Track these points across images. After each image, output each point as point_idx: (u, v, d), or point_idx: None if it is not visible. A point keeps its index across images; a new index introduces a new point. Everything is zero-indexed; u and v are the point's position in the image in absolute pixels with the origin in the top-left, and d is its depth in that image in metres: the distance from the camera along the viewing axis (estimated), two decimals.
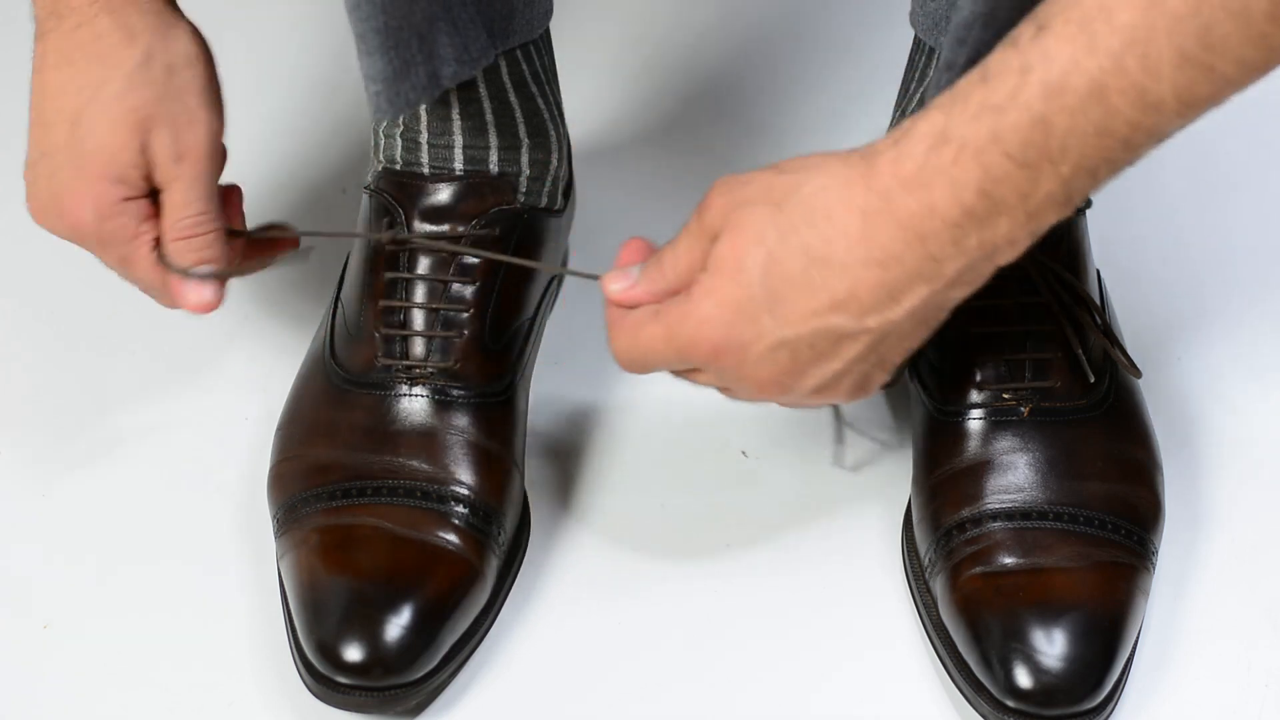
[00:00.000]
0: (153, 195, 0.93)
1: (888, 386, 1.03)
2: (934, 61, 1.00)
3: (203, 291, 0.93)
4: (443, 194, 1.01)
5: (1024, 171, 0.79)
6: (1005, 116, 0.79)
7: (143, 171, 0.92)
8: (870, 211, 0.81)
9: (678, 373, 0.90)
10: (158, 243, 0.93)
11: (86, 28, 0.91)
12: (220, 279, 0.94)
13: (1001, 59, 0.79)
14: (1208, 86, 0.77)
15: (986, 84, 0.79)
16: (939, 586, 0.97)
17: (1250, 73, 0.77)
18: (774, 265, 0.83)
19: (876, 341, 0.85)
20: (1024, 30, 0.79)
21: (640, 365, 0.89)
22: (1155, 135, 0.79)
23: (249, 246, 0.97)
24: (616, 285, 0.89)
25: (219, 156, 0.94)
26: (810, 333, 0.84)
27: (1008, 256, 0.83)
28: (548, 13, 1.03)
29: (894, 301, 0.83)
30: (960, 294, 0.84)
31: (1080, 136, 0.78)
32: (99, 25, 0.91)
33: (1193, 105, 0.78)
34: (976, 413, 1.00)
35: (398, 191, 1.02)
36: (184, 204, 0.92)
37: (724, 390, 0.90)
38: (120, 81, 0.91)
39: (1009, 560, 0.96)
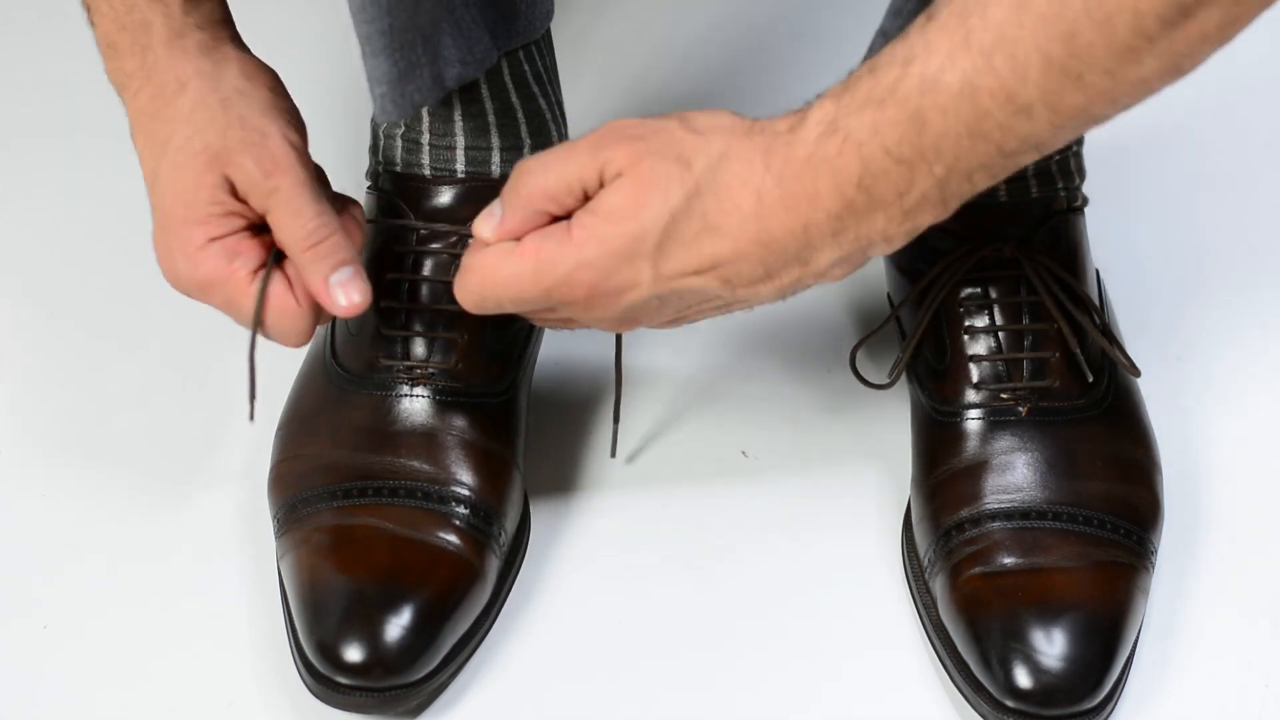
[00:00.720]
0: (250, 230, 0.92)
1: (885, 387, 1.03)
2: None
3: (351, 294, 0.91)
4: (444, 196, 1.01)
5: (900, 168, 0.80)
6: (885, 110, 0.79)
7: (224, 209, 0.91)
8: (764, 194, 0.82)
9: (538, 315, 0.90)
10: (255, 273, 0.92)
11: (144, 91, 0.92)
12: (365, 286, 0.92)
13: (892, 49, 0.80)
14: (1078, 95, 0.77)
15: (874, 75, 0.80)
16: (939, 586, 0.97)
17: (1124, 86, 0.77)
18: (673, 223, 0.84)
19: (734, 305, 0.87)
20: (920, 18, 0.80)
21: (493, 303, 0.88)
22: (1032, 143, 0.79)
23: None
24: (485, 227, 0.88)
25: (308, 164, 0.92)
26: (684, 288, 0.85)
27: (881, 250, 0.84)
28: (549, 13, 1.03)
29: (767, 279, 0.85)
30: (828, 280, 0.86)
31: (953, 138, 0.79)
32: (153, 85, 0.92)
33: (1065, 115, 0.78)
34: (975, 413, 1.00)
35: (400, 192, 1.02)
36: (295, 215, 0.91)
37: (561, 320, 0.90)
38: (181, 130, 0.91)
39: (1008, 560, 0.96)
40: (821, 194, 0.82)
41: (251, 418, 0.95)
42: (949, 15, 0.78)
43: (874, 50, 0.96)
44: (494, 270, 0.87)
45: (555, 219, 0.88)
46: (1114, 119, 0.80)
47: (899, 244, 0.84)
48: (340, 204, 0.95)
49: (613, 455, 1.06)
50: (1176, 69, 0.77)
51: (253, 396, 0.95)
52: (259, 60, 0.95)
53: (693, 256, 0.84)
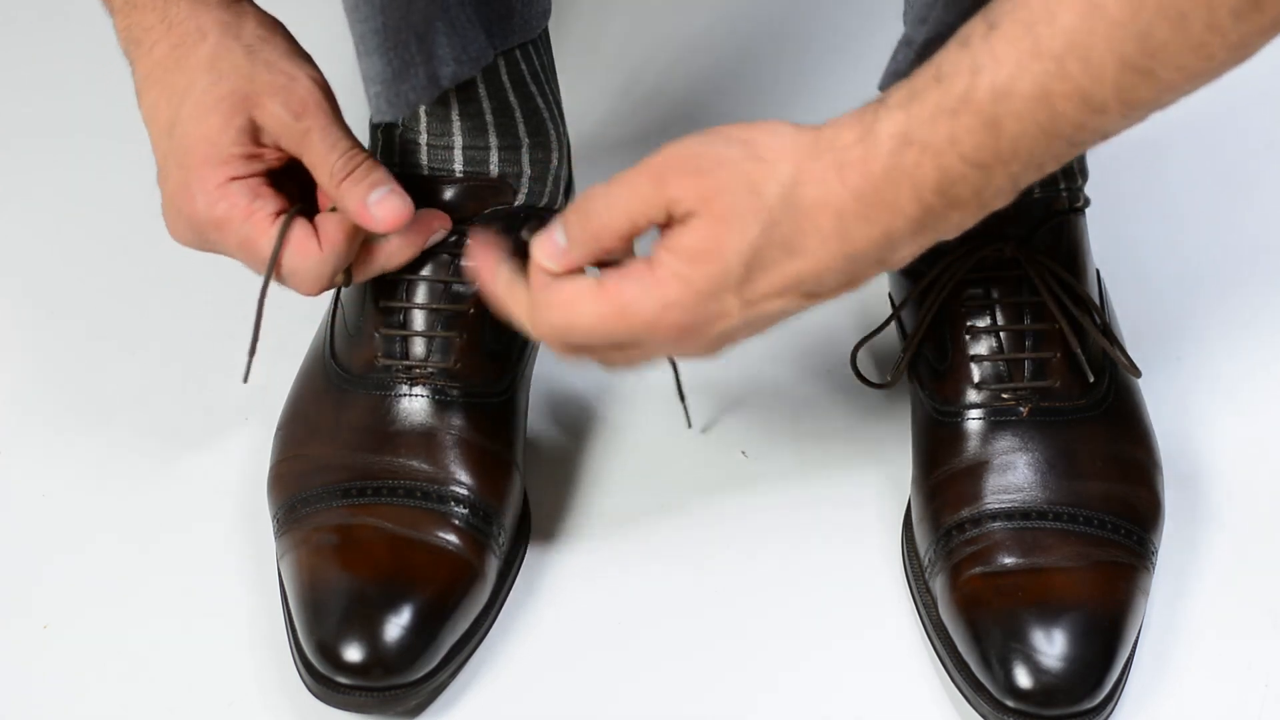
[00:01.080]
0: (266, 176, 0.94)
1: (886, 387, 1.03)
2: None
3: (389, 209, 0.93)
4: (443, 195, 1.01)
5: (977, 172, 0.81)
6: (959, 120, 0.80)
7: (247, 151, 0.93)
8: (844, 211, 0.82)
9: (613, 353, 0.86)
10: (277, 216, 0.93)
11: (162, 44, 0.93)
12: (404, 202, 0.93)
13: (955, 58, 0.80)
14: (1150, 91, 0.78)
15: (941, 84, 0.80)
16: (939, 586, 0.97)
17: (1193, 79, 0.78)
18: (755, 257, 0.83)
19: (803, 310, 0.86)
20: (976, 27, 0.80)
21: (575, 344, 0.85)
22: (1100, 134, 0.80)
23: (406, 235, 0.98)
24: (549, 256, 0.85)
25: (335, 104, 0.95)
26: (773, 310, 0.84)
27: (952, 236, 0.84)
28: (546, 12, 1.03)
29: (849, 285, 0.85)
30: (900, 266, 0.86)
31: (1029, 139, 0.80)
32: (173, 37, 0.93)
33: (1136, 108, 0.79)
34: (976, 413, 1.00)
35: None
36: (329, 150, 0.93)
37: (642, 358, 0.87)
38: (204, 77, 0.93)
39: (1009, 560, 0.96)
40: (902, 204, 0.81)
41: (245, 378, 0.95)
42: (1012, 24, 0.78)
43: (899, 61, 0.95)
44: (575, 308, 0.84)
45: None
46: None
47: (970, 227, 0.84)
48: None
49: (688, 425, 1.07)
50: (1242, 58, 0.78)
51: (252, 351, 0.95)
52: (272, 16, 0.96)
53: (777, 280, 0.83)
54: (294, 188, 0.96)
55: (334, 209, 0.95)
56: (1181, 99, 0.80)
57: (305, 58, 0.96)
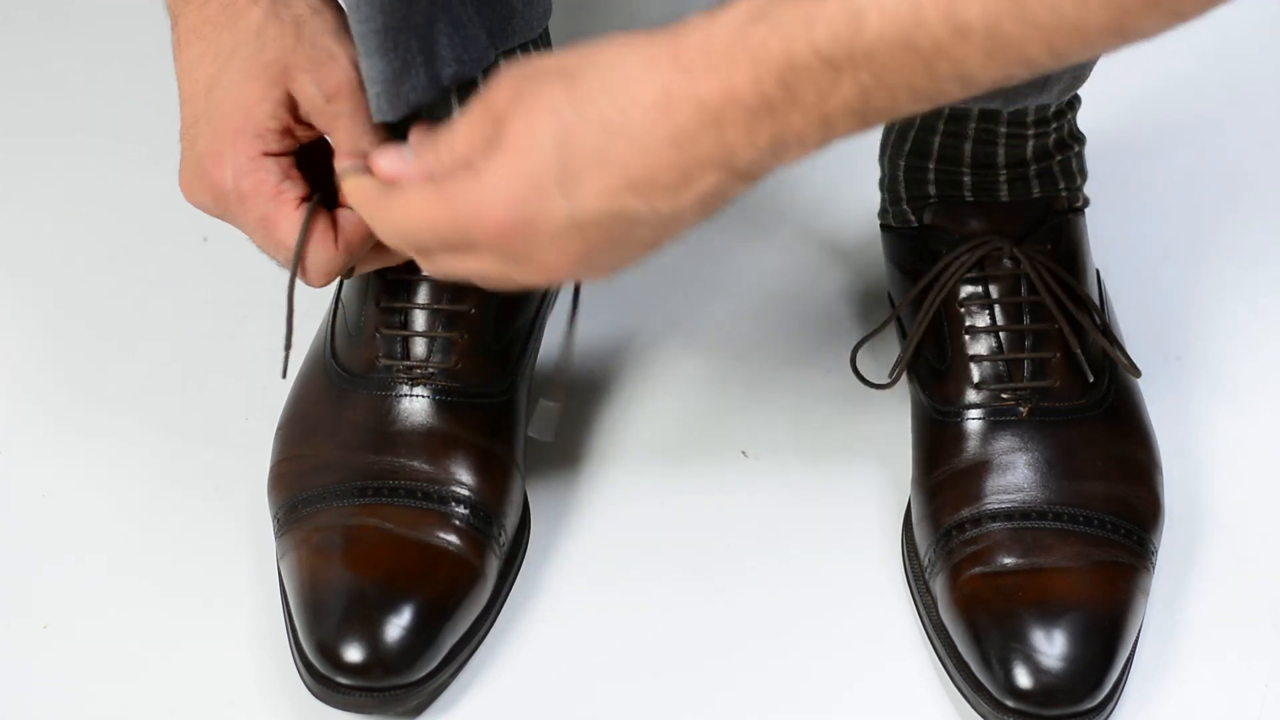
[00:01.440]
0: (295, 155, 0.93)
1: (886, 387, 1.03)
2: None
3: (389, 158, 0.89)
4: None
5: (825, 68, 0.76)
6: (824, 5, 0.75)
7: (282, 124, 0.91)
8: (673, 87, 0.77)
9: (451, 258, 0.84)
10: (301, 202, 0.92)
11: (213, 2, 0.92)
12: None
13: None
14: (1017, 25, 0.74)
15: None
16: (939, 587, 0.97)
17: (1065, 33, 0.74)
18: (569, 137, 0.78)
19: (661, 229, 0.81)
20: None
21: (412, 242, 0.84)
22: (961, 72, 0.76)
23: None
24: (387, 161, 0.86)
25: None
26: (603, 213, 0.80)
27: (795, 154, 0.79)
28: (547, 12, 1.03)
29: (686, 186, 0.79)
30: (742, 188, 0.80)
31: (886, 45, 0.75)
32: None
33: (1000, 46, 0.75)
34: (975, 413, 1.00)
35: None
36: (358, 136, 0.92)
37: (498, 276, 0.85)
38: (251, 42, 0.91)
39: (1009, 560, 0.96)
40: (738, 86, 0.77)
41: (284, 373, 0.95)
42: None
43: None
44: (411, 207, 0.84)
45: None
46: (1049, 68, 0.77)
47: (811, 150, 0.79)
48: None
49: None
50: (1120, 30, 0.74)
51: (288, 345, 0.94)
52: None
53: (600, 170, 0.79)
54: (316, 170, 0.95)
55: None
56: (1050, 61, 0.75)
57: (351, 41, 0.93)
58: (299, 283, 0.94)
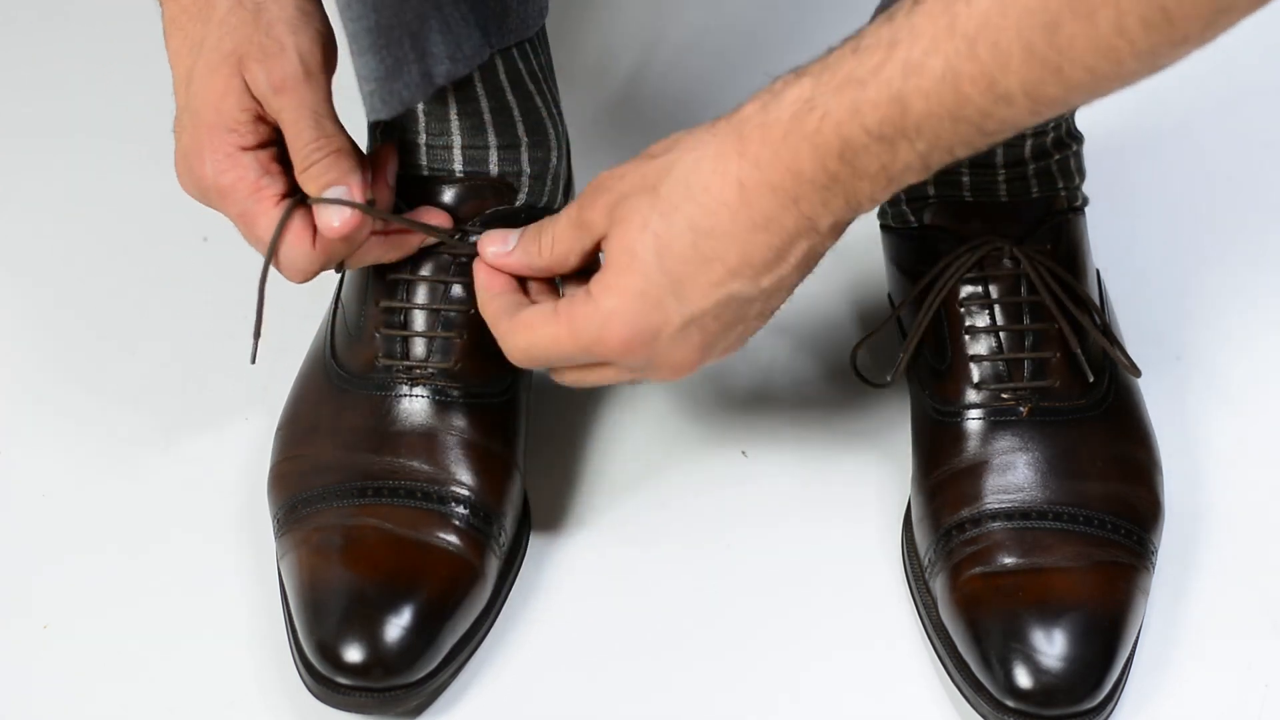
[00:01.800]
0: (275, 147, 0.94)
1: (885, 386, 1.03)
2: None
3: (330, 215, 0.93)
4: (443, 195, 1.01)
5: (881, 145, 0.81)
6: (866, 91, 0.80)
7: (252, 113, 0.92)
8: (745, 179, 0.83)
9: (580, 372, 0.92)
10: (280, 198, 0.93)
11: None
12: (355, 209, 0.93)
13: (876, 30, 0.81)
14: (1057, 88, 0.78)
15: (857, 55, 0.81)
16: (939, 586, 0.97)
17: (1101, 82, 0.78)
18: (664, 247, 0.85)
19: (770, 299, 0.88)
20: (904, 1, 0.80)
21: (540, 361, 0.91)
22: (1011, 126, 0.80)
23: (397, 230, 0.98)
24: (493, 248, 0.93)
25: (319, 85, 0.93)
26: (714, 305, 0.86)
27: (869, 208, 0.86)
28: (543, 10, 1.03)
29: (782, 260, 0.86)
30: (833, 242, 0.87)
31: (935, 120, 0.80)
32: None
33: (1043, 103, 0.79)
34: (975, 413, 1.00)
35: (399, 193, 1.02)
36: (296, 134, 0.93)
37: (630, 378, 0.92)
38: (215, 31, 0.92)
39: (1009, 560, 0.96)
40: (804, 170, 0.82)
41: (253, 359, 0.96)
42: (935, 1, 0.79)
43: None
44: (534, 330, 0.90)
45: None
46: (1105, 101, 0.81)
47: (885, 199, 0.85)
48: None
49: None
50: (1155, 68, 0.78)
51: (257, 334, 0.96)
52: None
53: (701, 269, 0.85)
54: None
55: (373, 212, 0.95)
56: (1093, 99, 0.80)
57: (312, 27, 0.94)
58: (293, 281, 0.95)
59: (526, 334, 0.90)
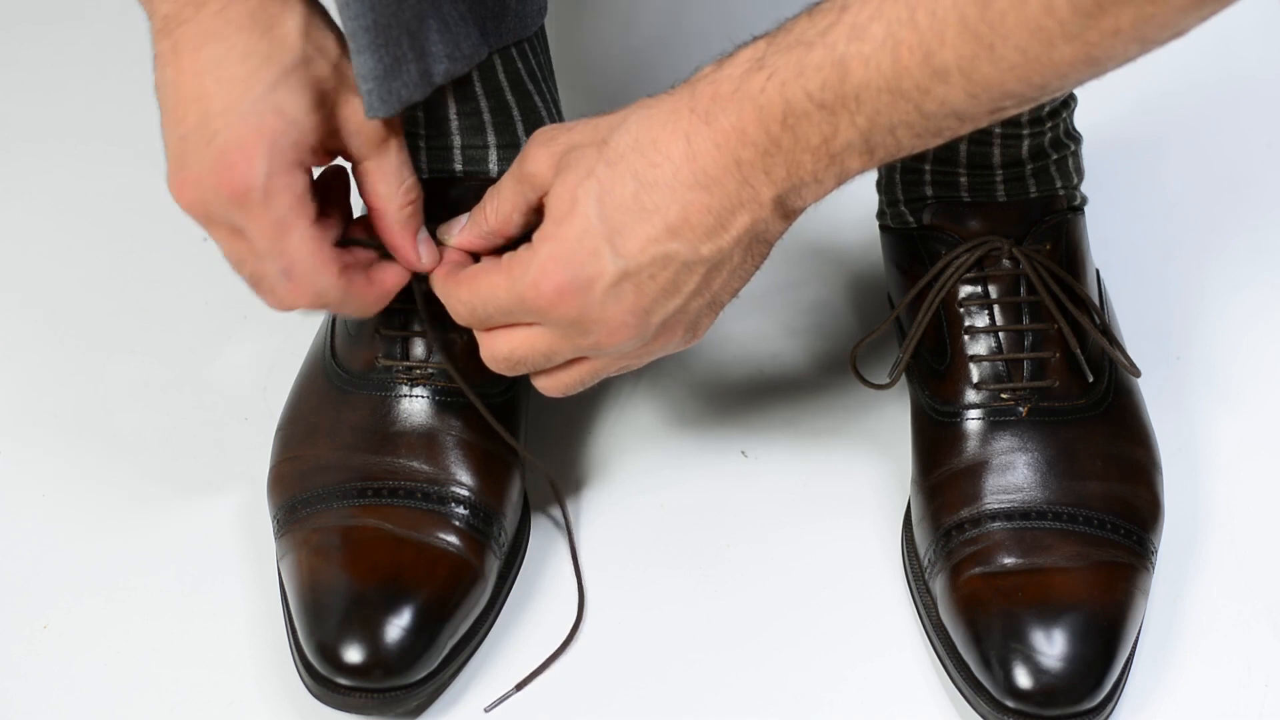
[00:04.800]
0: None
1: (885, 387, 1.03)
2: None
3: (433, 250, 0.95)
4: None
5: (822, 113, 0.81)
6: (812, 53, 0.80)
7: (319, 142, 0.91)
8: (692, 134, 0.83)
9: (514, 336, 0.90)
10: (314, 219, 0.92)
11: (237, 6, 0.90)
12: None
13: None
14: (990, 67, 0.78)
15: (810, 18, 0.82)
16: (939, 587, 0.97)
17: (1037, 68, 0.77)
18: (605, 194, 0.84)
19: (710, 273, 0.87)
20: None
21: (480, 315, 0.91)
22: (950, 109, 0.80)
23: None
24: (450, 234, 0.94)
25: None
26: (650, 261, 0.86)
27: (813, 193, 0.85)
28: (542, 10, 1.03)
29: (722, 228, 0.85)
30: (780, 227, 0.87)
31: (874, 90, 0.80)
32: (250, 3, 0.90)
33: (979, 85, 0.78)
34: (975, 413, 1.00)
35: None
36: (399, 172, 0.93)
37: (575, 358, 0.91)
38: (293, 52, 0.90)
39: (1009, 560, 0.96)
40: (747, 130, 0.82)
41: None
42: None
43: None
44: (477, 281, 0.90)
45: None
46: (1039, 100, 0.81)
47: (829, 187, 0.85)
48: None
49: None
50: (1091, 60, 0.77)
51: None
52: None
53: (640, 221, 0.85)
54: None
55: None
56: (1034, 93, 0.79)
57: None
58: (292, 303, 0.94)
59: (469, 286, 0.91)
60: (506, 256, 0.89)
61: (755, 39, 0.84)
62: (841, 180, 0.84)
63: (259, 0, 0.90)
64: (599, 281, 0.86)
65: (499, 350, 0.92)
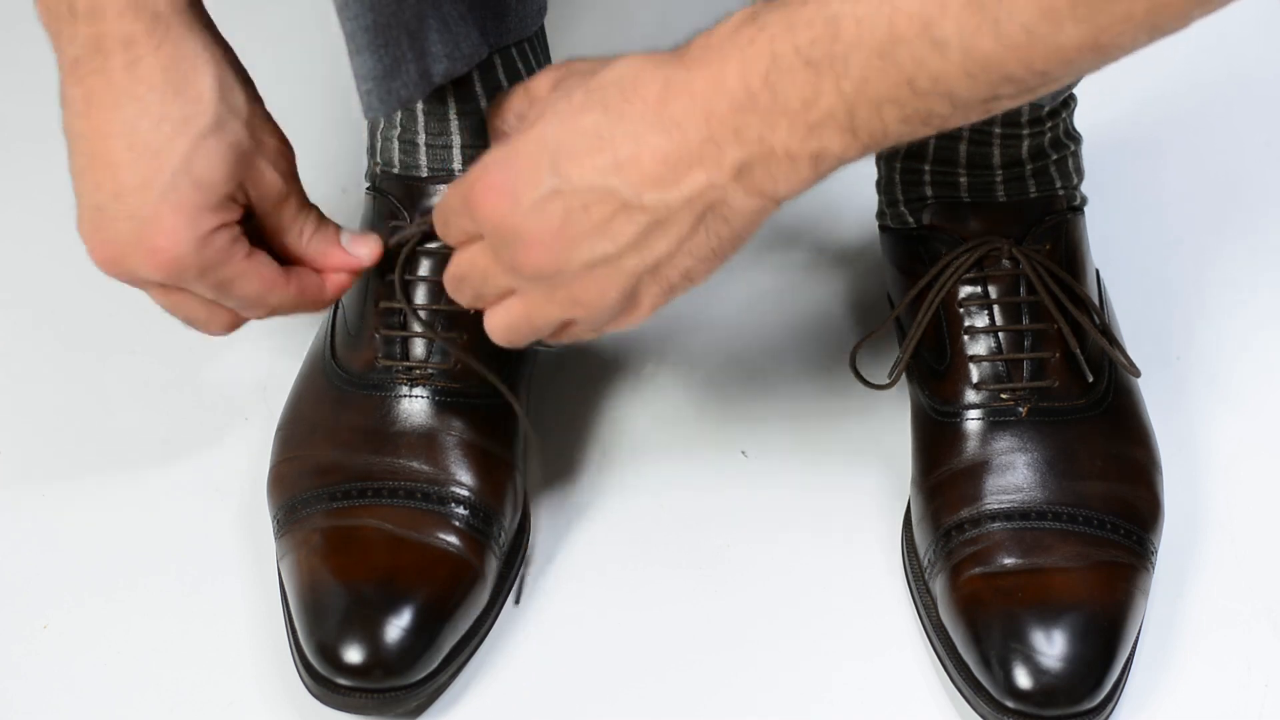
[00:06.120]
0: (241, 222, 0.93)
1: (885, 387, 1.03)
2: None
3: (366, 240, 0.97)
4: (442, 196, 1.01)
5: (807, 71, 0.78)
6: (804, 8, 0.78)
7: (240, 201, 0.92)
8: (672, 79, 0.81)
9: (462, 244, 0.89)
10: (248, 256, 0.93)
11: (149, 60, 0.89)
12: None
13: None
14: (993, 43, 0.75)
15: None
16: (939, 587, 0.97)
17: (1041, 51, 0.75)
18: (570, 118, 0.82)
19: (652, 230, 0.82)
20: None
21: (441, 223, 0.89)
22: (943, 87, 0.76)
23: None
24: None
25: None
26: (587, 188, 0.82)
27: (786, 175, 0.81)
28: (541, 10, 1.03)
29: (673, 180, 0.81)
30: (743, 205, 0.82)
31: (865, 53, 0.76)
32: (162, 56, 0.89)
33: (978, 63, 0.75)
34: (975, 413, 1.00)
35: (400, 193, 1.02)
36: (301, 211, 0.94)
37: (507, 294, 0.88)
38: (207, 116, 0.90)
39: (1008, 560, 0.96)
40: (727, 79, 0.79)
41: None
42: None
43: None
44: (444, 195, 0.90)
45: None
46: (1042, 92, 0.78)
47: (804, 170, 0.80)
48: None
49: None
50: (1098, 47, 0.75)
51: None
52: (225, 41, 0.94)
53: (590, 147, 0.81)
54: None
55: None
56: (1032, 79, 0.76)
57: (273, 129, 0.95)
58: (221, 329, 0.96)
59: (439, 202, 0.89)
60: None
61: None
62: (819, 166, 0.80)
63: (171, 56, 0.89)
64: (530, 192, 0.82)
65: (450, 270, 0.90)
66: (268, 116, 0.93)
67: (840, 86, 0.77)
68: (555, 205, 0.82)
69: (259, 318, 0.95)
